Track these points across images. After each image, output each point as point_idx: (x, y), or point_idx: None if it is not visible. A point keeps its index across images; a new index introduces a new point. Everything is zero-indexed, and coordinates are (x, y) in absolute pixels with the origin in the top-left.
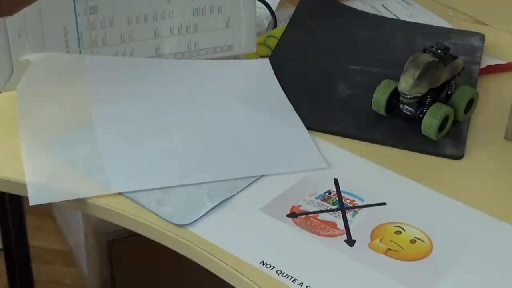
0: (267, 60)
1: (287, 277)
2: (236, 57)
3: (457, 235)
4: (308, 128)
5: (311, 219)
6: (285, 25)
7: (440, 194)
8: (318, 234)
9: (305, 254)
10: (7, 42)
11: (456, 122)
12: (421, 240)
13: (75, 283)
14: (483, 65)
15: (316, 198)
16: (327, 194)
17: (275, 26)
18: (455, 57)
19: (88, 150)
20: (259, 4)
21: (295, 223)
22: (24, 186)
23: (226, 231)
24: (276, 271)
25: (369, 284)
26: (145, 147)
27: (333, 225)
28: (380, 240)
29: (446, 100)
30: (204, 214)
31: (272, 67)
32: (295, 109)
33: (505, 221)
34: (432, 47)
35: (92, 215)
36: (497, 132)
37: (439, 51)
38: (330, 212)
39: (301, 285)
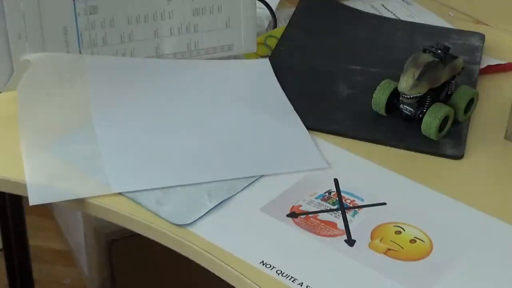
0: (267, 60)
1: (287, 277)
2: (236, 57)
3: (457, 235)
4: (308, 128)
5: (311, 219)
6: (285, 25)
7: (440, 194)
8: (318, 234)
9: (305, 254)
10: (7, 42)
11: (456, 122)
12: (421, 240)
13: (75, 283)
14: (483, 65)
15: (316, 198)
16: (327, 194)
17: (275, 26)
18: (455, 57)
19: (88, 150)
20: (259, 4)
21: (295, 223)
22: (24, 186)
23: (226, 231)
24: (276, 271)
25: (369, 284)
26: (145, 147)
27: (333, 225)
28: (380, 240)
29: (446, 100)
30: (204, 214)
31: (272, 67)
32: (295, 109)
33: (505, 221)
34: (432, 47)
35: (92, 215)
36: (497, 132)
37: (439, 51)
38: (330, 212)
39: (301, 285)
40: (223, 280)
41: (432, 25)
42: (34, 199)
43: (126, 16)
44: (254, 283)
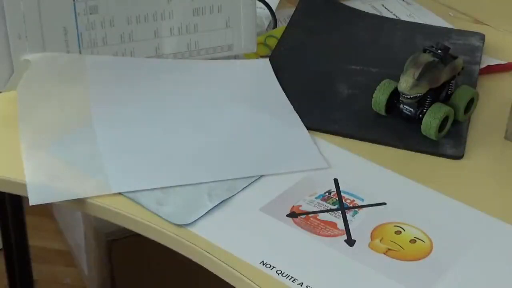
0: (267, 60)
1: (287, 277)
2: (236, 57)
3: (457, 235)
4: (308, 128)
5: (311, 219)
6: (285, 25)
7: (440, 194)
8: (318, 234)
9: (305, 254)
10: (7, 43)
11: (456, 122)
12: (421, 240)
13: (75, 283)
14: (483, 65)
15: (316, 198)
16: (327, 194)
17: (275, 26)
18: (455, 57)
19: (88, 150)
20: (259, 4)
21: (295, 223)
22: (24, 186)
23: (226, 231)
24: (276, 271)
25: (369, 284)
26: (145, 147)
27: (333, 225)
28: (380, 240)
29: (446, 100)
30: (204, 214)
31: (272, 67)
32: (295, 109)
33: (505, 221)
34: (432, 47)
35: (92, 215)
36: (497, 132)
37: (439, 51)
38: (330, 212)
39: (301, 285)
40: (223, 280)
41: (432, 25)
42: (34, 199)
43: (126, 16)
44: (254, 283)
